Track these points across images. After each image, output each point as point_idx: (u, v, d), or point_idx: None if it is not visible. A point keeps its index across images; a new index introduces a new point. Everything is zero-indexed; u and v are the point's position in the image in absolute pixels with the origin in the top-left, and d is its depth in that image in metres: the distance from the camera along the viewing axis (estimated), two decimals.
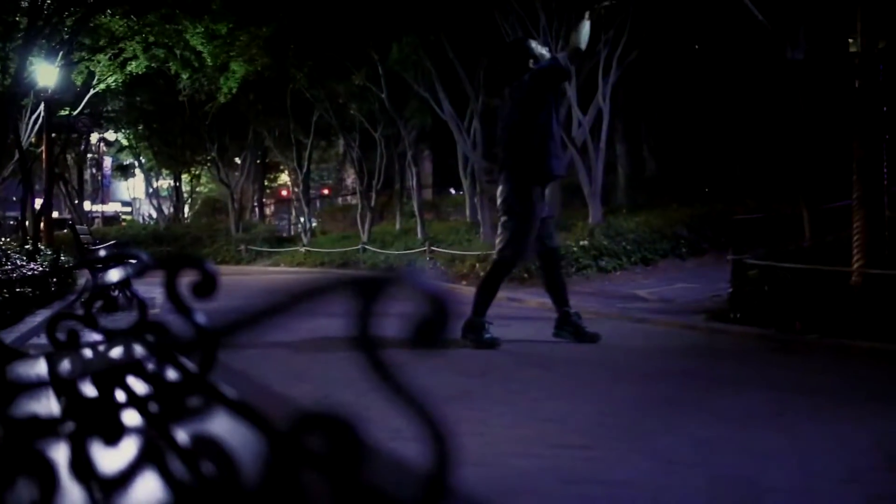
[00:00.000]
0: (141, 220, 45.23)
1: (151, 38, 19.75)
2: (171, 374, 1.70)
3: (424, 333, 0.85)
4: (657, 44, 17.38)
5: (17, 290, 7.74)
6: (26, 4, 14.95)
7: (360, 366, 0.84)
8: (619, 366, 6.24)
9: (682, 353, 6.97)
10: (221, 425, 1.51)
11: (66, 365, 2.36)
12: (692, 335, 7.89)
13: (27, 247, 14.53)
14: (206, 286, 1.80)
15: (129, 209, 53.88)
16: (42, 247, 15.82)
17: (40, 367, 2.48)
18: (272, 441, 1.20)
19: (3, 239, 14.62)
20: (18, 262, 10.78)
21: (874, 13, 7.53)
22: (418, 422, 0.86)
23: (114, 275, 2.63)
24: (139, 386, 1.64)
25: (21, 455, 1.28)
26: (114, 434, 1.40)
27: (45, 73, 17.18)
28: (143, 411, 1.54)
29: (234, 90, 22.96)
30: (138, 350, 2.34)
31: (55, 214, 30.23)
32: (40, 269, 11.09)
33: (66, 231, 21.28)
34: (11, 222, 32.65)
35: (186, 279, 1.84)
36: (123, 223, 44.16)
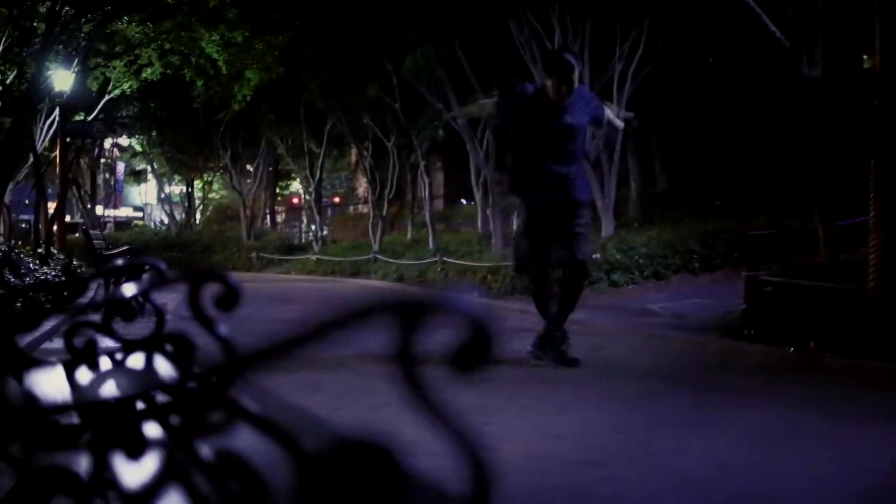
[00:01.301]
0: (153, 226, 45.29)
1: (167, 46, 19.81)
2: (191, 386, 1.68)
3: (467, 357, 0.84)
4: (672, 58, 17.36)
5: (30, 294, 7.74)
6: (44, 10, 15.02)
7: (398, 390, 0.83)
8: (631, 382, 6.21)
9: (696, 370, 6.93)
10: (244, 441, 1.49)
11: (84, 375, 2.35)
12: (705, 352, 7.85)
13: (40, 251, 14.58)
14: (230, 299, 1.79)
15: (141, 214, 54.02)
16: (55, 251, 15.88)
17: (58, 376, 2.48)
18: (299, 463, 1.18)
19: (14, 242, 14.67)
20: (31, 266, 10.81)
21: (892, 30, 7.50)
22: (458, 448, 0.85)
23: (131, 286, 2.63)
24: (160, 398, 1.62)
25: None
26: (135, 447, 1.39)
27: (62, 78, 17.27)
28: (164, 424, 1.53)
29: (248, 98, 23.01)
30: (157, 361, 2.33)
31: (68, 218, 30.34)
32: (53, 273, 11.12)
33: (78, 235, 21.34)
34: (24, 225, 32.80)
35: (210, 291, 1.84)
36: (136, 228, 44.24)
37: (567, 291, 6.96)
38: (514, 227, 7.14)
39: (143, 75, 20.76)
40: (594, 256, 6.79)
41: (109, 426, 1.49)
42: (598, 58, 16.33)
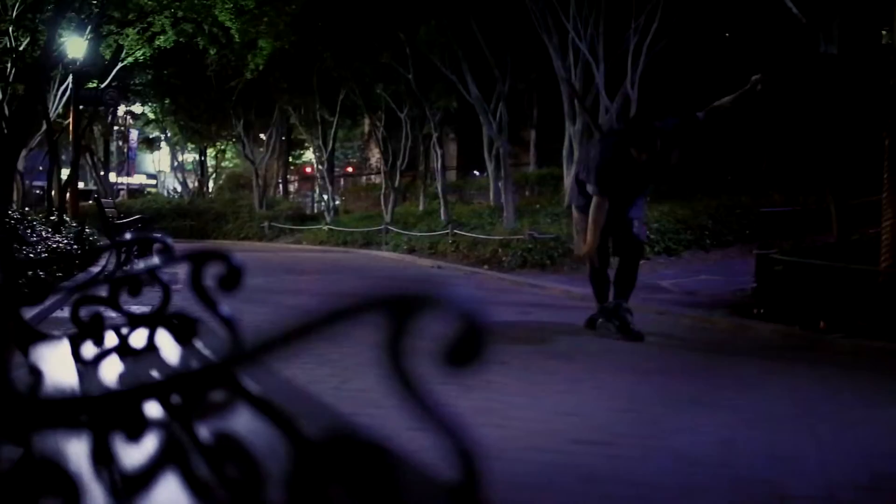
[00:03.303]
0: (166, 194, 45.34)
1: (180, 13, 19.75)
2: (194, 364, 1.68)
3: (459, 353, 0.83)
4: (687, 33, 17.21)
5: (42, 266, 7.77)
6: None
7: (391, 386, 0.82)
8: (640, 360, 6.20)
9: (705, 347, 6.92)
10: (243, 423, 1.49)
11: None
12: (715, 329, 7.83)
13: (52, 218, 14.62)
14: (232, 279, 1.79)
15: (154, 182, 54.09)
16: (67, 219, 15.92)
17: (63, 349, 2.48)
18: (300, 450, 1.18)
19: (27, 209, 14.71)
20: (44, 233, 10.83)
21: None
22: (446, 441, 0.84)
23: (140, 262, 2.64)
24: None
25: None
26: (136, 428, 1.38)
27: (74, 45, 17.24)
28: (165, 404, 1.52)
29: (261, 67, 22.94)
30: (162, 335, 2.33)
31: (81, 186, 30.37)
32: (65, 241, 11.15)
33: (91, 202, 21.41)
34: (38, 192, 32.86)
35: (213, 270, 1.83)
36: (148, 195, 44.30)
37: (626, 268, 7.20)
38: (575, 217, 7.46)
39: (156, 43, 20.72)
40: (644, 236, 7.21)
41: (110, 406, 1.49)
42: (612, 32, 16.21)
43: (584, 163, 7.48)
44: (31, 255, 8.15)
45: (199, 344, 2.21)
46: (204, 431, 1.41)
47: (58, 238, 11.02)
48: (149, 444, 1.33)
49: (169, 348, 2.23)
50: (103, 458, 1.28)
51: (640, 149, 6.79)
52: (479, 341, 0.83)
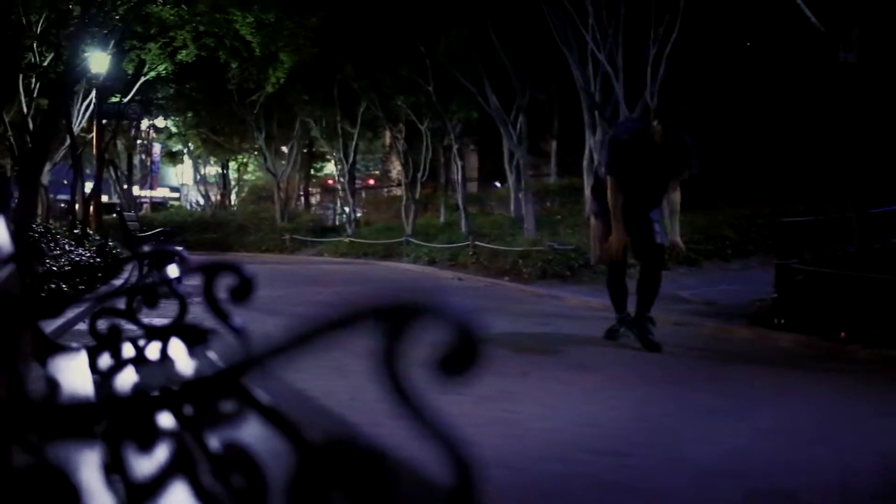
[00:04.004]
0: (188, 207, 45.63)
1: (201, 28, 19.92)
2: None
3: (453, 363, 0.84)
4: (707, 42, 17.19)
5: (64, 279, 7.85)
6: None
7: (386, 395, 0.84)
8: (659, 370, 6.19)
9: (723, 358, 6.90)
10: (252, 431, 1.52)
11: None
12: (734, 339, 7.80)
13: (76, 231, 14.76)
14: (243, 290, 1.81)
15: (177, 195, 54.42)
16: (90, 231, 16.06)
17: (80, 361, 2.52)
18: (302, 455, 1.20)
19: (51, 222, 14.86)
20: (66, 246, 10.93)
21: None
22: (442, 450, 0.86)
23: (158, 274, 2.68)
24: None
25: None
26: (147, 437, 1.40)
27: (97, 60, 17.43)
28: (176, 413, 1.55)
29: (283, 80, 23.11)
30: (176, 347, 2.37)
31: (105, 199, 30.61)
32: (88, 254, 11.25)
33: (114, 216, 21.57)
34: (62, 205, 33.13)
35: (226, 281, 1.86)
36: (171, 209, 44.57)
37: (648, 276, 7.15)
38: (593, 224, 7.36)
39: (178, 57, 20.91)
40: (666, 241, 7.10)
41: (124, 415, 1.51)
42: (631, 42, 16.21)
43: (599, 155, 7.43)
44: (55, 268, 8.24)
45: (211, 354, 2.24)
46: (213, 441, 1.43)
47: (81, 251, 11.12)
48: (159, 454, 1.35)
49: (182, 359, 2.26)
50: (112, 467, 1.31)
51: (664, 123, 6.68)
52: (473, 350, 0.84)
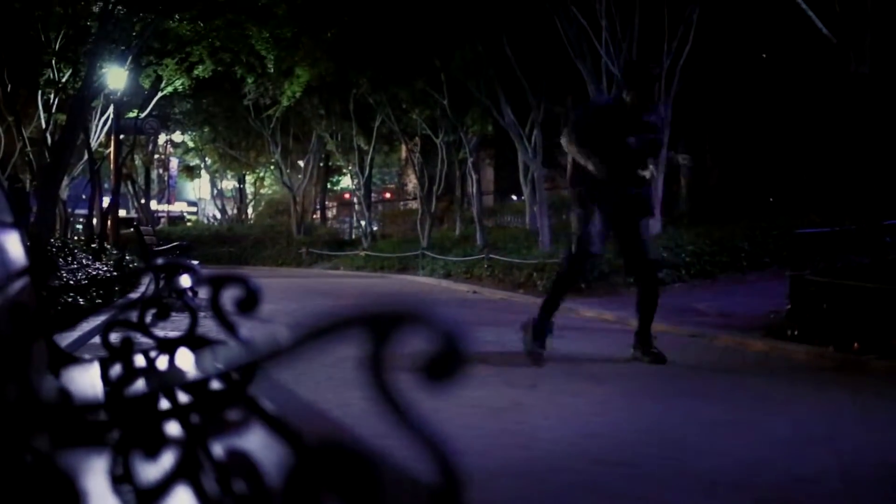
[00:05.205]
0: (206, 221, 45.87)
1: (218, 43, 20.09)
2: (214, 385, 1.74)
3: (437, 368, 0.87)
4: (720, 55, 17.19)
5: (80, 292, 7.92)
6: (98, 10, 15.30)
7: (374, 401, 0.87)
8: (671, 382, 6.19)
9: (736, 369, 6.89)
10: (253, 437, 1.55)
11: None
12: (747, 351, 7.79)
13: (93, 245, 14.87)
14: (250, 302, 1.86)
15: (194, 209, 54.74)
16: (108, 246, 16.18)
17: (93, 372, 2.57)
18: (297, 458, 1.24)
19: (69, 236, 14.97)
20: (84, 261, 11.02)
21: None
22: (427, 454, 0.88)
23: (170, 285, 2.73)
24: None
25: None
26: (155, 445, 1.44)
27: (115, 76, 17.61)
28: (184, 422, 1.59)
29: (298, 94, 23.25)
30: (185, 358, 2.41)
31: (123, 213, 30.81)
32: (105, 268, 11.34)
33: (131, 230, 21.74)
34: (81, 220, 33.36)
35: (231, 293, 1.90)
36: (188, 223, 44.82)
37: (646, 295, 7.08)
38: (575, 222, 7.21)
39: (195, 73, 21.09)
40: (661, 255, 6.96)
41: (133, 424, 1.55)
42: (645, 55, 16.22)
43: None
44: (71, 282, 8.31)
45: (217, 364, 2.27)
46: (217, 448, 1.47)
47: (98, 265, 11.21)
48: (165, 461, 1.39)
49: (190, 369, 2.30)
50: (120, 475, 1.35)
51: (635, 88, 6.65)
52: (456, 358, 0.87)
